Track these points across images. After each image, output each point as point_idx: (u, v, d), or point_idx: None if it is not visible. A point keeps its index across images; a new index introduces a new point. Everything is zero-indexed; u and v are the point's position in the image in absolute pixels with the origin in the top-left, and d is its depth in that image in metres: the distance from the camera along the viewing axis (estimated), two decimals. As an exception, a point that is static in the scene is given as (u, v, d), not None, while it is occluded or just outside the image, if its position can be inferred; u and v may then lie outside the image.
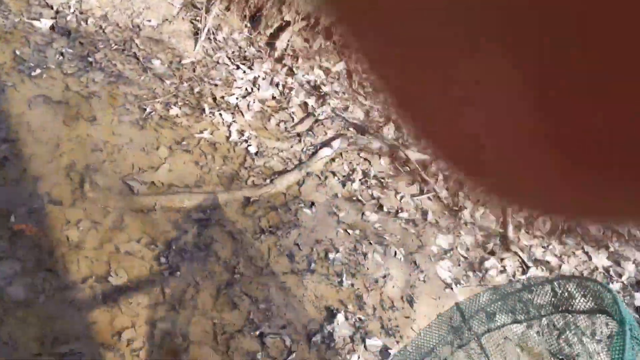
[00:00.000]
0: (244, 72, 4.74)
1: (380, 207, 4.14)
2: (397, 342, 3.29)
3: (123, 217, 3.36)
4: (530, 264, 4.11)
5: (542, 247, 4.34)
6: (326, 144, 4.38)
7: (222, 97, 4.53)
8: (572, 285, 2.11)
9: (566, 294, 2.12)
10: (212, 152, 4.03)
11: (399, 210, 4.16)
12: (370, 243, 3.80)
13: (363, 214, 4.03)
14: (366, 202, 4.15)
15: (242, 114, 4.44)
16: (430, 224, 4.18)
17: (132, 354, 2.74)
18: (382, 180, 4.38)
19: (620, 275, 4.33)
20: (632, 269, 4.42)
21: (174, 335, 2.88)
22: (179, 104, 4.29)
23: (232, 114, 4.38)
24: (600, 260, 4.41)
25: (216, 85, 4.55)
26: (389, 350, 3.20)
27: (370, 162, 4.50)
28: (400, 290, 3.60)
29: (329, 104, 4.76)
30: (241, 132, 4.24)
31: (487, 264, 3.99)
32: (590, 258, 4.40)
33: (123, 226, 3.31)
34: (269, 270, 3.39)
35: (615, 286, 4.25)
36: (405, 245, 3.93)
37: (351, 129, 4.65)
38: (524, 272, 4.06)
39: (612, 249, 4.53)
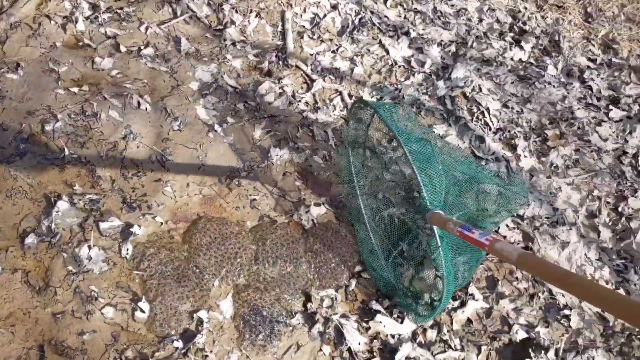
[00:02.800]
0: None
1: (117, 47, 3.39)
2: (144, 214, 2.82)
3: None
4: (315, 76, 3.60)
5: (332, 51, 3.80)
6: (34, -23, 3.43)
7: None
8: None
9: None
10: None
11: (143, 46, 3.43)
12: (105, 98, 3.13)
13: (93, 61, 3.28)
14: (97, 45, 3.38)
15: None
16: (186, 55, 3.50)
17: None
18: (120, 11, 3.57)
19: (422, 64, 3.92)
20: (436, 53, 4.01)
21: None
22: None
23: None
24: (400, 51, 3.95)
25: None
26: (132, 229, 2.73)
27: (101, -9, 3.63)
28: (148, 148, 3.05)
29: None
30: None
31: (261, 88, 3.44)
32: (387, 52, 3.92)
33: None
34: (-41, 169, 2.73)
35: (417, 78, 3.86)
36: (156, 89, 3.30)
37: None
38: (308, 89, 3.56)
39: (414, 34, 4.05)
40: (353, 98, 3.63)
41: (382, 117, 2.37)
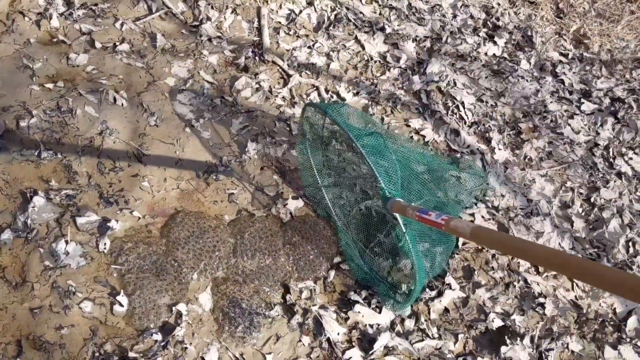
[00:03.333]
0: None
1: (92, 43, 3.40)
2: (122, 209, 2.83)
3: None
4: (292, 72, 3.64)
5: (308, 47, 3.84)
6: (6, -27, 3.42)
7: None
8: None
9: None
10: None
11: (118, 43, 3.44)
12: (80, 94, 3.13)
13: (68, 58, 3.29)
14: (72, 41, 3.38)
15: None
16: (162, 51, 3.52)
17: None
18: (94, 7, 3.57)
19: (398, 59, 3.99)
20: (412, 49, 4.08)
21: None
22: None
23: None
24: (376, 46, 4.01)
25: None
26: (109, 224, 2.74)
27: (75, -13, 3.63)
28: (124, 144, 3.06)
29: None
30: None
31: (238, 84, 3.47)
32: (363, 47, 3.98)
33: None
34: None
35: (393, 73, 3.92)
36: (132, 85, 3.31)
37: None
38: (285, 84, 3.59)
39: (389, 30, 4.11)
40: (330, 93, 3.68)
41: (332, 117, 2.43)
